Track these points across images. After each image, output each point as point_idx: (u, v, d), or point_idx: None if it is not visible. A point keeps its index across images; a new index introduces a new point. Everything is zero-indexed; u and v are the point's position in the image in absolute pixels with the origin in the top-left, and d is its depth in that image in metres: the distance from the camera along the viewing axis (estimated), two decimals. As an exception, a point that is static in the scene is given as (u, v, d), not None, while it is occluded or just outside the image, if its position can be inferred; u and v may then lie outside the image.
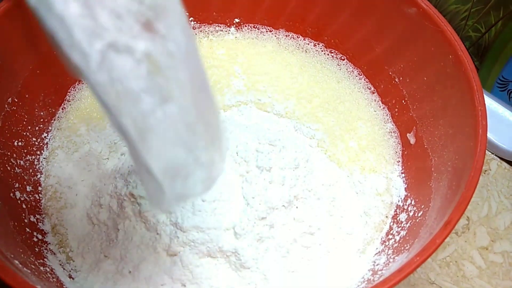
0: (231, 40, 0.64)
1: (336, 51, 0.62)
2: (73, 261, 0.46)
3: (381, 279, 0.36)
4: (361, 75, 0.60)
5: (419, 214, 0.45)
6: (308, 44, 0.63)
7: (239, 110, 0.57)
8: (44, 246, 0.45)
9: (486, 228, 0.58)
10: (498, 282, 0.55)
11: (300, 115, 0.57)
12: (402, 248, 0.43)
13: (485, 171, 0.63)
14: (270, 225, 0.45)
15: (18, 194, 0.47)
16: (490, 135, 0.63)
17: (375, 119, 0.57)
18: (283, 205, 0.45)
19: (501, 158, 0.64)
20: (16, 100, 0.49)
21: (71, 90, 0.57)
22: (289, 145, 0.50)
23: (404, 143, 0.54)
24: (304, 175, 0.48)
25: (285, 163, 0.47)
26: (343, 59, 0.61)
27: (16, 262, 0.37)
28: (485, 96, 0.63)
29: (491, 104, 0.65)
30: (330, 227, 0.48)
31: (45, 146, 0.54)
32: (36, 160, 0.52)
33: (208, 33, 0.64)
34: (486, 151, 0.63)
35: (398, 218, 0.49)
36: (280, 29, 0.64)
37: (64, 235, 0.48)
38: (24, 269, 0.37)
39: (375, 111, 0.58)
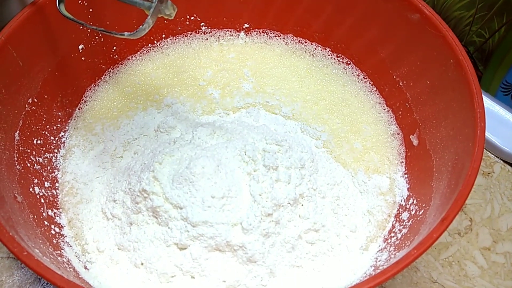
0: (241, 45, 0.66)
1: (343, 56, 0.63)
2: (88, 253, 0.48)
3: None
4: (366, 78, 0.62)
5: (420, 213, 0.46)
6: (315, 48, 0.65)
7: (247, 112, 0.59)
8: (61, 238, 0.48)
9: (488, 229, 0.59)
10: (500, 282, 0.56)
11: (306, 117, 0.59)
12: (403, 244, 0.44)
13: (489, 173, 0.64)
14: (276, 221, 0.46)
15: (37, 189, 0.49)
16: (493, 138, 0.64)
17: (380, 121, 0.59)
18: (289, 203, 0.47)
19: (504, 161, 0.65)
20: (36, 101, 0.52)
21: (87, 91, 0.60)
22: (295, 146, 0.51)
23: (408, 144, 0.56)
24: (309, 174, 0.50)
25: (291, 163, 0.49)
26: (349, 63, 0.63)
27: (37, 251, 0.39)
28: (488, 100, 0.65)
29: (495, 107, 0.66)
30: (334, 225, 0.50)
31: (62, 144, 0.56)
32: (54, 157, 0.54)
33: (219, 37, 0.66)
34: (490, 154, 0.65)
35: (400, 217, 0.50)
36: (288, 34, 0.65)
37: (79, 229, 0.50)
38: (44, 257, 0.39)
39: (379, 113, 0.59)
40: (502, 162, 0.65)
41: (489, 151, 0.65)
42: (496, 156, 0.65)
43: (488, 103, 0.65)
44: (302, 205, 0.48)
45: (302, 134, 0.57)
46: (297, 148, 0.51)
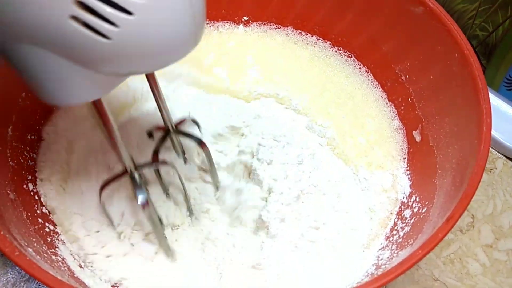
0: (241, 34, 0.64)
1: (344, 49, 0.62)
2: (84, 250, 0.47)
3: (384, 273, 0.37)
4: (368, 72, 0.60)
5: (423, 211, 0.46)
6: (316, 41, 0.63)
7: (260, 102, 0.57)
8: (56, 236, 0.46)
9: (490, 226, 0.59)
10: (502, 280, 0.55)
11: (314, 111, 0.57)
12: (406, 243, 0.44)
13: (491, 169, 0.63)
14: (281, 219, 0.46)
15: (31, 186, 0.48)
16: (496, 134, 0.63)
17: (383, 115, 0.57)
18: (289, 202, 0.46)
19: (506, 157, 0.64)
20: (29, 95, 0.51)
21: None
22: (295, 142, 0.50)
23: (410, 140, 0.55)
24: (309, 171, 0.49)
25: (287, 159, 0.48)
26: (351, 57, 0.62)
27: (30, 250, 0.38)
28: (491, 95, 0.64)
29: (498, 103, 0.65)
30: (335, 222, 0.49)
31: (57, 139, 0.55)
32: (48, 153, 0.53)
33: (218, 27, 0.65)
34: (492, 149, 0.64)
35: (402, 214, 0.49)
36: (288, 27, 0.64)
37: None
38: (37, 257, 0.38)
39: (383, 107, 0.58)
40: (504, 158, 0.64)
41: (491, 147, 0.64)
42: (498, 152, 0.64)
43: (491, 98, 0.64)
44: (303, 202, 0.48)
45: (306, 130, 0.55)
46: (297, 145, 0.50)
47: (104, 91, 0.31)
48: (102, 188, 0.42)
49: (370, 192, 0.51)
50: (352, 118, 0.57)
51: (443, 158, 0.47)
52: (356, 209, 0.50)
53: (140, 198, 0.39)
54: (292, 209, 0.46)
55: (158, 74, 0.54)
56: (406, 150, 0.55)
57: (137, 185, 0.39)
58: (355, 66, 0.61)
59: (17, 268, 0.52)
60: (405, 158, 0.54)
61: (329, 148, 0.54)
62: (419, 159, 0.53)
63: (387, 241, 0.48)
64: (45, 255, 0.41)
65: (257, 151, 0.48)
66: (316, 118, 0.56)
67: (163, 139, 0.44)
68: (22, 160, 0.48)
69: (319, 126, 0.56)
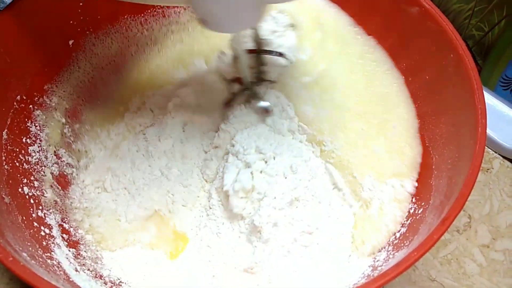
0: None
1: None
2: (80, 254, 0.47)
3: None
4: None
5: (419, 211, 0.45)
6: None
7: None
8: (51, 240, 0.46)
9: (487, 226, 0.59)
10: (499, 280, 0.55)
11: (323, 127, 0.53)
12: (402, 244, 0.43)
13: (488, 169, 0.63)
14: (274, 223, 0.45)
15: (26, 189, 0.48)
16: (492, 134, 0.63)
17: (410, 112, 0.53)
18: (283, 207, 0.46)
19: (503, 157, 0.64)
20: (24, 98, 0.50)
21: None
22: (286, 152, 0.49)
23: (407, 141, 0.55)
24: (307, 179, 0.49)
25: (277, 170, 0.48)
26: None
27: (24, 254, 0.38)
28: (488, 95, 0.64)
29: (494, 102, 0.65)
30: (329, 227, 0.48)
31: (53, 142, 0.55)
32: (43, 156, 0.53)
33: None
34: (489, 149, 0.64)
35: (399, 215, 0.49)
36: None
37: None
38: (32, 261, 0.38)
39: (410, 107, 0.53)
40: (501, 157, 0.64)
41: (488, 147, 0.64)
42: (495, 152, 0.64)
43: (487, 97, 0.64)
44: (296, 207, 0.47)
45: (301, 143, 0.53)
46: (289, 154, 0.49)
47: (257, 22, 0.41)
48: (227, 103, 0.52)
49: (366, 193, 0.50)
50: (375, 127, 0.52)
51: (439, 159, 0.47)
52: (352, 212, 0.50)
53: (266, 103, 0.51)
54: (285, 213, 0.46)
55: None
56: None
57: (259, 96, 0.51)
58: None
59: (13, 272, 0.52)
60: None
61: (322, 158, 0.53)
62: (415, 160, 0.52)
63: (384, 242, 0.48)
64: (40, 259, 0.41)
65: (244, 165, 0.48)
66: (322, 133, 0.52)
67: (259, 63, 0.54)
68: (17, 164, 0.48)
69: (318, 141, 0.53)
